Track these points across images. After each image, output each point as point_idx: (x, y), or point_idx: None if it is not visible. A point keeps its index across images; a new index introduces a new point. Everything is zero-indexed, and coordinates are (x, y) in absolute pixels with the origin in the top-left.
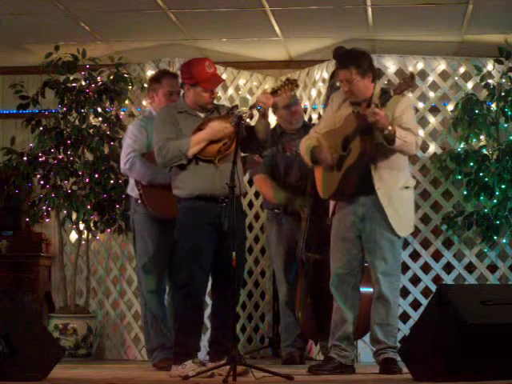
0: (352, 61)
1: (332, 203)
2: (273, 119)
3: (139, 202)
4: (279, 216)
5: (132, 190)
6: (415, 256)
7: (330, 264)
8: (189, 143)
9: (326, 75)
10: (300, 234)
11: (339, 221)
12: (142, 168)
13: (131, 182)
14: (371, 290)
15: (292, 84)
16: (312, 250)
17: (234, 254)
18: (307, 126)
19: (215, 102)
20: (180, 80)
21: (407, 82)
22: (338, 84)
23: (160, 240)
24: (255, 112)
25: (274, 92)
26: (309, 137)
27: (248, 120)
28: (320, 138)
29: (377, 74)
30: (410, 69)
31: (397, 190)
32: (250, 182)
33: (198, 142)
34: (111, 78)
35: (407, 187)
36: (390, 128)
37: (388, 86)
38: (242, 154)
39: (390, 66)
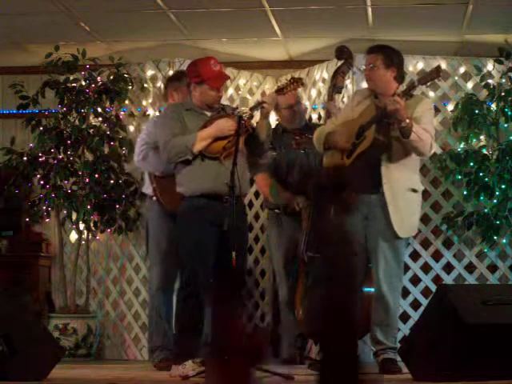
0: (383, 49)
1: None
2: (273, 119)
3: (154, 198)
4: (279, 216)
5: (147, 188)
6: (415, 256)
7: None
8: (194, 139)
9: (326, 75)
10: (301, 234)
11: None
12: (154, 159)
13: (146, 180)
14: (373, 290)
15: (297, 83)
16: (314, 250)
17: (233, 253)
18: (309, 126)
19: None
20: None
21: (433, 73)
22: (340, 84)
23: (173, 238)
24: (256, 113)
25: (280, 90)
26: (323, 126)
27: (250, 120)
28: (335, 127)
29: (403, 76)
30: (410, 69)
31: (403, 190)
32: (251, 182)
33: (203, 138)
34: (111, 78)
35: (415, 190)
36: (407, 121)
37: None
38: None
39: None
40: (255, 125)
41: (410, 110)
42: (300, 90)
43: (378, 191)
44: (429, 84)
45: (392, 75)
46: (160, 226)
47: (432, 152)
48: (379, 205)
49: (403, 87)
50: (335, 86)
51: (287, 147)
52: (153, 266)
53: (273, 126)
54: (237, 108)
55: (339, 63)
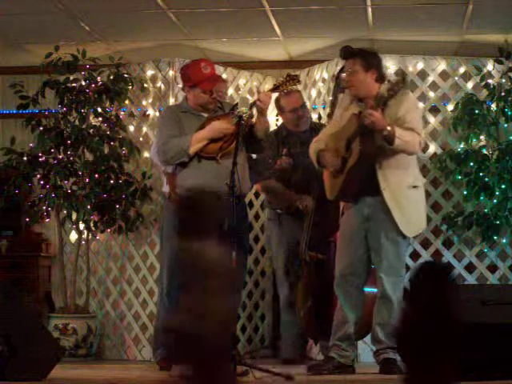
0: (359, 53)
1: (342, 204)
2: (273, 119)
3: (171, 197)
4: (281, 216)
5: (165, 187)
6: (415, 256)
7: (336, 263)
8: (190, 141)
9: (326, 75)
10: (302, 234)
11: (346, 221)
12: None
13: (164, 178)
14: (375, 290)
15: (293, 80)
16: (315, 250)
17: (233, 253)
18: (313, 128)
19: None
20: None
21: (399, 82)
22: (344, 84)
23: None
24: (255, 111)
25: (276, 88)
26: (317, 139)
27: (251, 119)
28: (328, 141)
29: (384, 76)
30: (410, 69)
31: (404, 190)
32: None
33: (198, 139)
34: (111, 77)
35: (415, 186)
36: (389, 128)
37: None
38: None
39: (389, 65)
40: (253, 121)
41: (393, 111)
42: (296, 87)
43: (377, 193)
44: (397, 93)
45: (373, 77)
46: (173, 225)
47: (421, 148)
48: (380, 206)
49: (390, 82)
50: (339, 86)
51: (291, 149)
52: (165, 265)
53: (274, 127)
54: (236, 105)
55: (340, 63)
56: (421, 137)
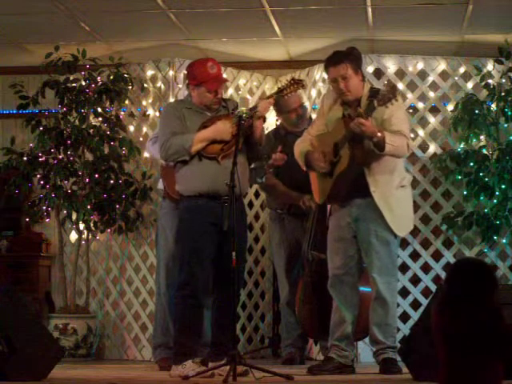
0: (347, 56)
1: (329, 205)
2: (272, 121)
3: (168, 196)
4: (282, 216)
5: (160, 184)
6: (415, 256)
7: (328, 265)
8: (192, 140)
9: (326, 75)
10: (305, 233)
11: (335, 222)
12: None
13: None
14: (369, 289)
15: (298, 84)
16: (317, 249)
17: (233, 254)
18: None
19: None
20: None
21: (389, 93)
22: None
23: None
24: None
25: (280, 92)
26: (302, 140)
27: (250, 120)
28: (313, 142)
29: (364, 74)
30: (410, 69)
31: (392, 191)
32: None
33: (201, 140)
34: (111, 78)
35: (403, 186)
36: (379, 135)
37: (375, 89)
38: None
39: (390, 65)
40: (251, 122)
41: (379, 114)
42: (300, 91)
43: (367, 195)
44: (388, 104)
45: (360, 78)
46: (169, 223)
47: (409, 150)
48: (370, 206)
49: (380, 93)
50: None
51: (291, 148)
52: (161, 263)
53: (273, 127)
54: (236, 107)
55: None
56: (408, 139)
